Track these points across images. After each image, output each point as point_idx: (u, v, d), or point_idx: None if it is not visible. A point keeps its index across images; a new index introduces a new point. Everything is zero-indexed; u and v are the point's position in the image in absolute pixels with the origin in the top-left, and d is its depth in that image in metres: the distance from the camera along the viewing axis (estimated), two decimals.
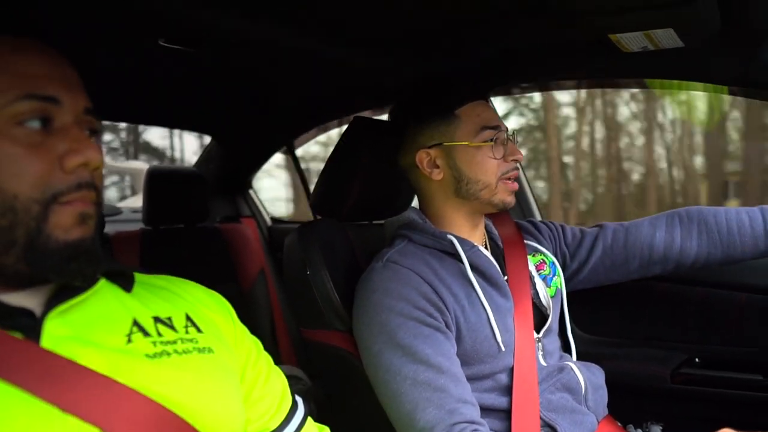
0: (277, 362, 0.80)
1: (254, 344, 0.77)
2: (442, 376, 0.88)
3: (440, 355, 0.90)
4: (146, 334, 0.61)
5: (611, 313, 1.21)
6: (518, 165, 1.05)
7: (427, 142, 1.05)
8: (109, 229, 1.90)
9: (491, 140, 1.01)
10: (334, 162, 1.24)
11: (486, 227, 1.15)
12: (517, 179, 1.06)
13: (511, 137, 1.04)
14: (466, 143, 1.02)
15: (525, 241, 1.13)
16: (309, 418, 0.81)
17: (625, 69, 1.25)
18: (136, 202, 2.83)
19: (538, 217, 1.57)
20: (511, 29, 1.13)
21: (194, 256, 1.91)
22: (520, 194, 1.56)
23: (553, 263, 1.14)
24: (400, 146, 1.10)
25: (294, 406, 0.78)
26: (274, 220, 2.63)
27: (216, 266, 1.94)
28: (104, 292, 0.63)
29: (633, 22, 0.96)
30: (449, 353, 0.91)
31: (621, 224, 1.15)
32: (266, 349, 0.82)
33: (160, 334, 0.62)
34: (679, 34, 0.97)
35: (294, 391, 0.82)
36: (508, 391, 0.95)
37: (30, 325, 0.54)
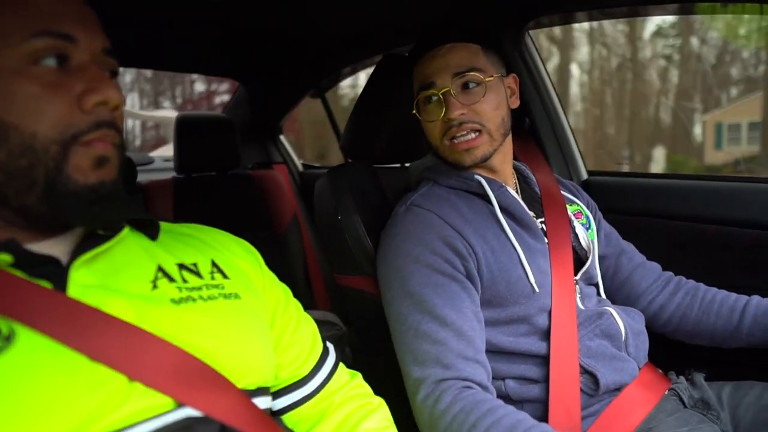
0: (311, 307, 0.81)
1: (283, 291, 0.76)
2: (444, 329, 0.85)
3: (448, 307, 0.86)
4: (171, 279, 0.61)
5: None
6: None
7: None
8: (142, 178, 1.92)
9: (423, 101, 0.97)
10: (363, 102, 1.19)
11: (522, 171, 1.10)
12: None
13: (442, 95, 0.94)
14: (414, 112, 0.99)
15: (562, 192, 1.09)
16: (341, 365, 0.80)
17: None
18: (168, 150, 2.84)
19: (582, 167, 1.50)
20: None
21: (227, 203, 1.92)
22: (562, 142, 1.48)
23: (589, 216, 1.11)
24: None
25: (325, 353, 0.78)
26: (306, 165, 2.61)
27: (249, 213, 1.95)
28: (129, 240, 0.62)
29: None
30: (460, 306, 0.87)
31: (639, 256, 1.15)
32: (300, 294, 0.82)
33: (185, 281, 0.62)
34: None
35: (328, 337, 0.81)
36: (545, 335, 0.93)
37: (56, 273, 0.54)
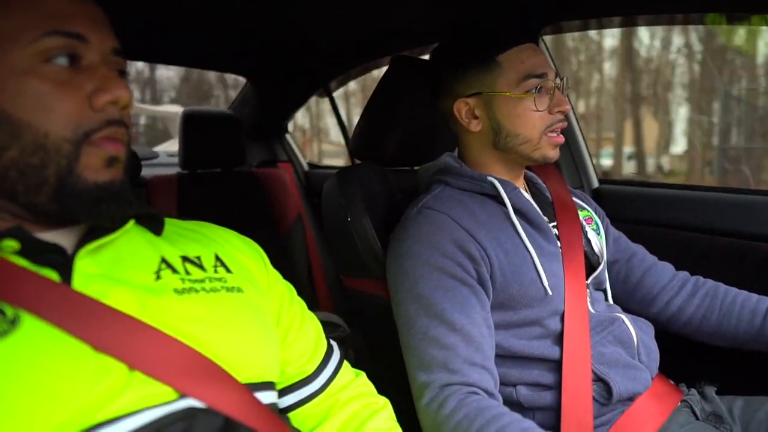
0: (314, 308, 0.79)
1: (288, 289, 0.76)
2: (453, 334, 0.84)
3: (457, 311, 0.85)
4: (174, 271, 0.62)
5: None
6: (565, 117, 0.97)
7: (465, 91, 0.98)
8: (146, 172, 1.90)
9: (535, 90, 0.93)
10: (374, 104, 1.18)
11: (531, 178, 1.10)
12: (563, 131, 0.98)
13: (558, 86, 0.96)
14: (508, 94, 0.95)
15: (573, 198, 1.08)
16: (345, 362, 0.80)
17: (691, 2, 1.12)
18: (173, 146, 2.83)
19: (593, 176, 1.49)
20: None
21: (231, 200, 1.91)
22: (574, 150, 1.47)
23: (598, 222, 1.10)
24: (439, 92, 1.03)
25: (329, 351, 0.78)
26: (311, 165, 2.60)
27: (253, 210, 1.94)
28: (134, 233, 0.63)
29: None
30: (469, 311, 0.86)
31: (651, 257, 1.14)
32: (303, 294, 0.82)
33: (188, 273, 0.62)
34: None
35: (332, 338, 0.81)
36: (558, 339, 0.91)
37: (61, 261, 0.55)
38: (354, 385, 0.78)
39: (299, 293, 0.79)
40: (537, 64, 0.95)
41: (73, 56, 0.55)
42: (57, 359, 0.49)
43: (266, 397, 0.63)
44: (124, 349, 0.52)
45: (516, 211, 0.96)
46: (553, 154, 0.97)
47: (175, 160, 1.97)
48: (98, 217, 0.56)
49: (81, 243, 0.57)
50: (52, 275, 0.53)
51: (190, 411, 0.53)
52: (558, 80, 0.96)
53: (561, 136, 0.97)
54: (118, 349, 0.51)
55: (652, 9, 1.27)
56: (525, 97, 0.94)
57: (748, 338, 1.01)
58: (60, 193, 0.54)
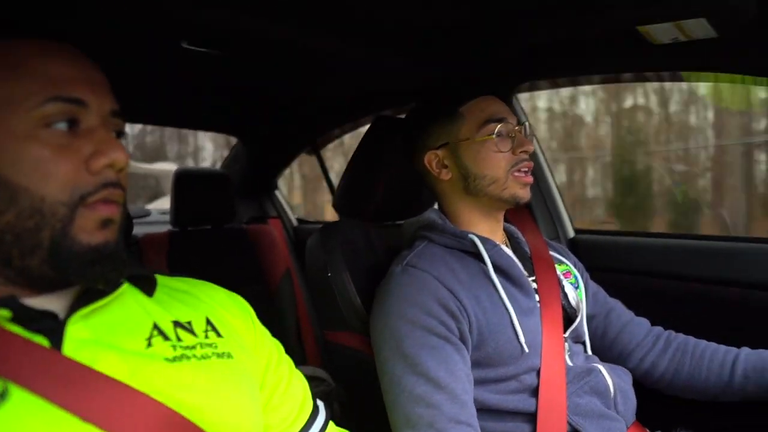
0: (302, 363, 0.80)
1: (275, 347, 0.76)
2: (439, 393, 0.85)
3: (442, 370, 0.86)
4: (166, 338, 0.61)
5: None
6: (536, 163, 1.02)
7: (434, 143, 1.04)
8: (138, 230, 1.93)
9: (496, 134, 0.99)
10: (356, 162, 1.23)
11: (512, 232, 1.13)
12: (533, 172, 1.03)
13: (518, 129, 1.02)
14: (470, 139, 1.00)
15: (550, 252, 1.11)
16: (331, 423, 0.79)
17: (655, 62, 1.20)
18: (164, 203, 2.88)
19: (569, 225, 1.53)
20: (535, 25, 1.10)
21: (221, 256, 1.93)
22: (548, 200, 1.52)
23: (577, 276, 1.12)
24: (413, 148, 1.09)
25: (315, 411, 0.77)
26: (300, 220, 2.64)
27: (242, 267, 1.95)
28: (126, 296, 0.63)
29: (663, 13, 0.92)
30: (454, 368, 0.88)
31: (627, 313, 1.16)
32: (292, 349, 0.81)
33: (179, 339, 0.62)
34: (712, 24, 0.93)
35: (317, 393, 0.80)
36: (533, 392, 0.93)
37: (53, 327, 0.55)
38: None
39: (288, 349, 0.78)
40: (496, 110, 1.01)
41: (72, 120, 0.55)
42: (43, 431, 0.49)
43: None
44: (112, 420, 0.51)
45: (496, 268, 0.98)
46: (523, 193, 1.01)
47: (167, 218, 2.00)
48: (92, 279, 0.56)
49: (74, 307, 0.56)
50: (43, 342, 0.53)
51: None
52: (519, 126, 1.02)
53: (530, 176, 1.02)
54: (106, 420, 0.51)
55: (617, 69, 1.35)
56: (487, 139, 0.99)
57: (718, 390, 1.03)
58: (53, 255, 0.53)
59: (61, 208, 0.53)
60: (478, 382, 0.92)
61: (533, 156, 1.49)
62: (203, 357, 0.62)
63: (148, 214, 2.69)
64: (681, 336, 1.12)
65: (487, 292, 0.96)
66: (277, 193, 2.62)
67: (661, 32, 0.98)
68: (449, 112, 1.02)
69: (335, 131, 2.23)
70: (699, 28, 0.94)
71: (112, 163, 0.56)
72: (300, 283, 2.04)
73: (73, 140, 0.55)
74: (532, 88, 1.60)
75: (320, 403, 0.80)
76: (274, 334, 0.78)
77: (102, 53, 0.65)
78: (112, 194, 0.56)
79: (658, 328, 1.15)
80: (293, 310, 1.99)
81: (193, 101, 1.85)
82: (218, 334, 0.66)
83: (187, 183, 1.93)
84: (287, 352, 0.78)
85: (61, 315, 0.56)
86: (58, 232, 0.53)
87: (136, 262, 0.69)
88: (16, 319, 0.53)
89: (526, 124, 1.04)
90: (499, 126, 0.99)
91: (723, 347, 1.07)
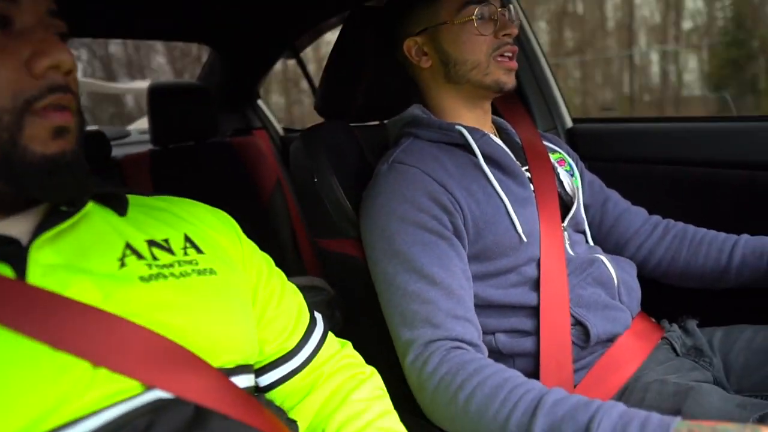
0: (301, 273, 0.78)
1: (265, 262, 0.73)
2: (433, 288, 0.83)
3: (436, 265, 0.84)
4: (140, 257, 0.58)
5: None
6: (525, 49, 0.95)
7: (413, 30, 0.99)
8: (118, 152, 1.86)
9: (477, 16, 0.93)
10: (335, 58, 1.14)
11: (500, 124, 1.08)
12: (527, 59, 0.96)
13: (502, 11, 0.94)
14: (448, 22, 0.94)
15: (543, 142, 1.07)
16: (330, 334, 0.78)
17: None
18: (144, 123, 2.78)
19: (566, 116, 1.46)
20: None
21: (208, 173, 1.88)
22: (545, 90, 1.43)
23: (572, 164, 1.09)
24: (393, 39, 1.02)
25: (312, 323, 0.75)
26: (287, 129, 2.56)
27: (231, 181, 1.91)
28: (95, 216, 0.60)
29: None
30: (448, 264, 0.85)
31: (624, 202, 1.14)
32: (289, 261, 0.80)
33: (155, 258, 0.59)
34: None
35: (316, 302, 0.79)
36: (535, 286, 0.91)
37: (16, 254, 0.51)
38: (339, 357, 0.75)
39: (286, 261, 0.77)
40: None
41: (4, 20, 0.51)
42: (10, 363, 0.46)
43: (243, 380, 0.61)
44: (87, 346, 0.49)
45: (486, 158, 0.95)
46: (506, 78, 0.95)
47: (147, 137, 1.93)
48: (50, 192, 0.53)
49: (37, 232, 0.53)
50: (6, 270, 0.50)
51: (157, 403, 0.51)
52: (502, 8, 0.95)
53: (514, 61, 0.96)
54: (80, 346, 0.49)
55: None
56: (467, 21, 0.93)
57: (714, 277, 1.02)
58: (6, 167, 0.50)
59: (5, 115, 0.49)
60: (479, 278, 0.90)
61: (526, 42, 1.41)
62: (182, 275, 0.59)
63: (127, 134, 2.60)
64: (680, 224, 1.10)
65: (480, 183, 0.92)
66: (260, 102, 2.51)
67: None
68: None
69: (314, 29, 2.09)
70: None
71: (56, 64, 0.51)
72: (292, 194, 2.00)
73: (7, 41, 0.50)
74: None
75: (318, 315, 0.79)
76: (270, 247, 0.75)
77: None
78: (61, 99, 0.52)
79: (657, 217, 1.12)
80: (287, 222, 1.96)
81: (160, 10, 1.70)
82: (199, 251, 0.63)
83: (163, 97, 1.84)
84: (285, 264, 0.76)
85: (24, 240, 0.53)
86: (6, 142, 0.50)
87: (117, 184, 0.65)
88: None
89: (511, 6, 0.96)
90: (479, 7, 0.93)
91: (723, 234, 1.04)
